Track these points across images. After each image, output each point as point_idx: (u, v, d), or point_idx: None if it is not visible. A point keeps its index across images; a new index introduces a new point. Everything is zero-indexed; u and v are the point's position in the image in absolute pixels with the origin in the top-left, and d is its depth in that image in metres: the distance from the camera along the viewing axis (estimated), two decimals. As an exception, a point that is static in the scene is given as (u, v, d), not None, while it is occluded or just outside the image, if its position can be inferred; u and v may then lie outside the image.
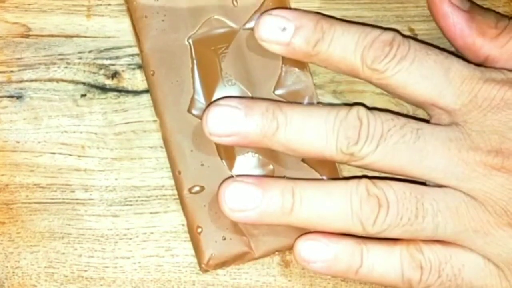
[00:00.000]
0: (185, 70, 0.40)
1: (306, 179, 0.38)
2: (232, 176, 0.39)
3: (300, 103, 0.39)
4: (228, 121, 0.37)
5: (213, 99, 0.40)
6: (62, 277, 0.40)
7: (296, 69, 0.40)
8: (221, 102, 0.37)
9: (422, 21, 0.42)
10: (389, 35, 0.37)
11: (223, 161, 0.39)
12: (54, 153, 0.40)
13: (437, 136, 0.37)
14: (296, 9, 0.39)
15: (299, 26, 0.38)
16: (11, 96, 0.40)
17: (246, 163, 0.39)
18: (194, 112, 0.39)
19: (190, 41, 0.40)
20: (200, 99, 0.40)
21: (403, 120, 0.37)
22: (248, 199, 0.37)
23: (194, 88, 0.40)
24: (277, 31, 0.38)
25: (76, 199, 0.40)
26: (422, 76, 0.37)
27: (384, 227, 0.36)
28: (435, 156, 0.37)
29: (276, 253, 0.40)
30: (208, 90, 0.40)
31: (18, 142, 0.40)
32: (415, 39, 0.39)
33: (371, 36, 0.37)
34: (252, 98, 0.39)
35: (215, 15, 0.40)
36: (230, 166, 0.39)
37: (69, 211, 0.40)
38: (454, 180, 0.37)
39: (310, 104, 0.39)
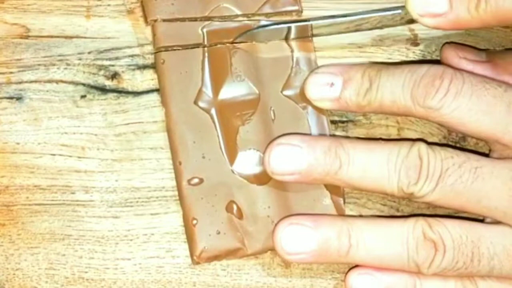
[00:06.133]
0: (196, 62, 0.40)
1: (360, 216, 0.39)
2: (233, 171, 0.39)
3: (361, 139, 0.39)
4: (290, 160, 0.37)
5: (221, 93, 0.40)
6: (63, 278, 0.40)
7: (306, 71, 0.40)
8: (282, 140, 0.37)
9: (422, 21, 0.42)
10: (437, 69, 0.36)
11: (225, 155, 0.39)
12: (54, 155, 0.40)
13: (497, 175, 0.36)
14: (342, 63, 0.39)
15: (347, 79, 0.38)
16: (11, 97, 0.40)
17: (248, 159, 0.39)
18: (201, 104, 0.39)
19: (204, 30, 0.40)
20: (208, 92, 0.40)
21: (462, 157, 0.36)
22: (304, 243, 0.37)
23: (202, 80, 0.40)
24: (326, 88, 0.38)
25: (77, 201, 0.40)
26: (483, 112, 0.36)
27: (439, 270, 0.36)
28: (494, 197, 0.36)
29: (269, 252, 0.40)
30: (217, 84, 0.40)
31: (18, 143, 0.40)
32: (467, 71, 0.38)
33: (418, 73, 0.36)
34: (311, 135, 0.40)
35: (223, 3, 0.40)
36: (231, 161, 0.39)
37: (69, 213, 0.40)
38: None
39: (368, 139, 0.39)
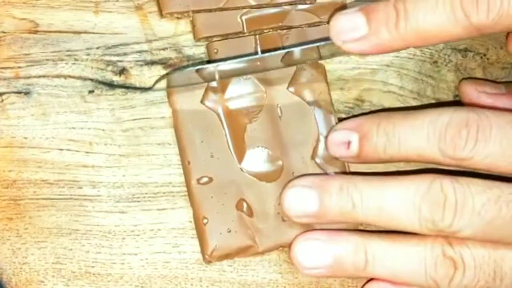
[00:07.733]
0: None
1: (376, 231, 0.38)
2: (242, 169, 0.39)
3: (376, 174, 0.38)
4: (303, 203, 0.37)
5: (227, 92, 0.40)
6: (70, 273, 0.40)
7: (311, 68, 0.40)
8: (295, 182, 0.38)
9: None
10: (461, 116, 0.35)
11: (233, 153, 0.39)
12: (61, 149, 0.40)
13: None
14: (358, 116, 0.39)
15: (362, 135, 0.37)
16: (19, 92, 0.40)
17: (256, 157, 0.40)
18: (208, 103, 0.40)
19: (243, 18, 0.40)
20: (214, 91, 0.40)
21: (496, 191, 0.35)
22: (321, 257, 0.37)
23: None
24: (343, 148, 0.38)
25: (84, 195, 0.40)
26: None
27: (460, 287, 0.36)
28: None
29: (280, 248, 0.40)
30: (223, 82, 0.40)
31: (25, 138, 0.40)
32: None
33: (441, 124, 0.35)
34: (326, 174, 0.39)
35: None
36: (240, 159, 0.40)
37: (76, 207, 0.40)
38: None
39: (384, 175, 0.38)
